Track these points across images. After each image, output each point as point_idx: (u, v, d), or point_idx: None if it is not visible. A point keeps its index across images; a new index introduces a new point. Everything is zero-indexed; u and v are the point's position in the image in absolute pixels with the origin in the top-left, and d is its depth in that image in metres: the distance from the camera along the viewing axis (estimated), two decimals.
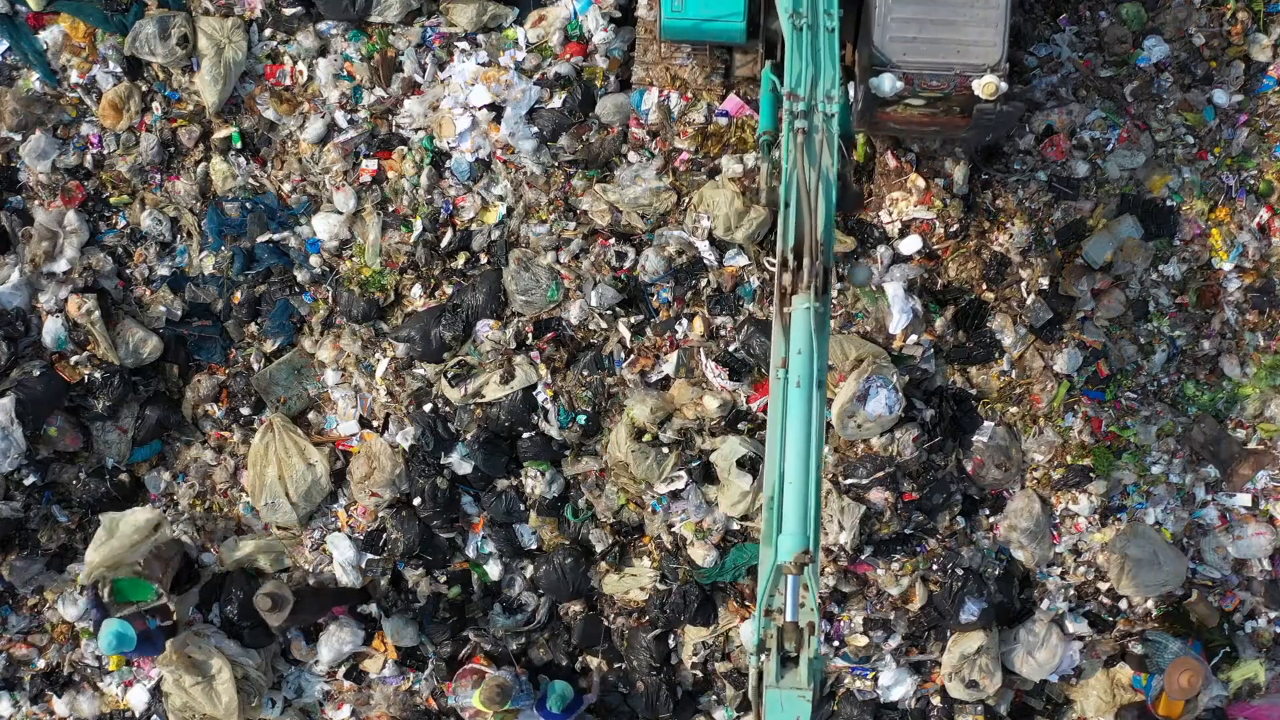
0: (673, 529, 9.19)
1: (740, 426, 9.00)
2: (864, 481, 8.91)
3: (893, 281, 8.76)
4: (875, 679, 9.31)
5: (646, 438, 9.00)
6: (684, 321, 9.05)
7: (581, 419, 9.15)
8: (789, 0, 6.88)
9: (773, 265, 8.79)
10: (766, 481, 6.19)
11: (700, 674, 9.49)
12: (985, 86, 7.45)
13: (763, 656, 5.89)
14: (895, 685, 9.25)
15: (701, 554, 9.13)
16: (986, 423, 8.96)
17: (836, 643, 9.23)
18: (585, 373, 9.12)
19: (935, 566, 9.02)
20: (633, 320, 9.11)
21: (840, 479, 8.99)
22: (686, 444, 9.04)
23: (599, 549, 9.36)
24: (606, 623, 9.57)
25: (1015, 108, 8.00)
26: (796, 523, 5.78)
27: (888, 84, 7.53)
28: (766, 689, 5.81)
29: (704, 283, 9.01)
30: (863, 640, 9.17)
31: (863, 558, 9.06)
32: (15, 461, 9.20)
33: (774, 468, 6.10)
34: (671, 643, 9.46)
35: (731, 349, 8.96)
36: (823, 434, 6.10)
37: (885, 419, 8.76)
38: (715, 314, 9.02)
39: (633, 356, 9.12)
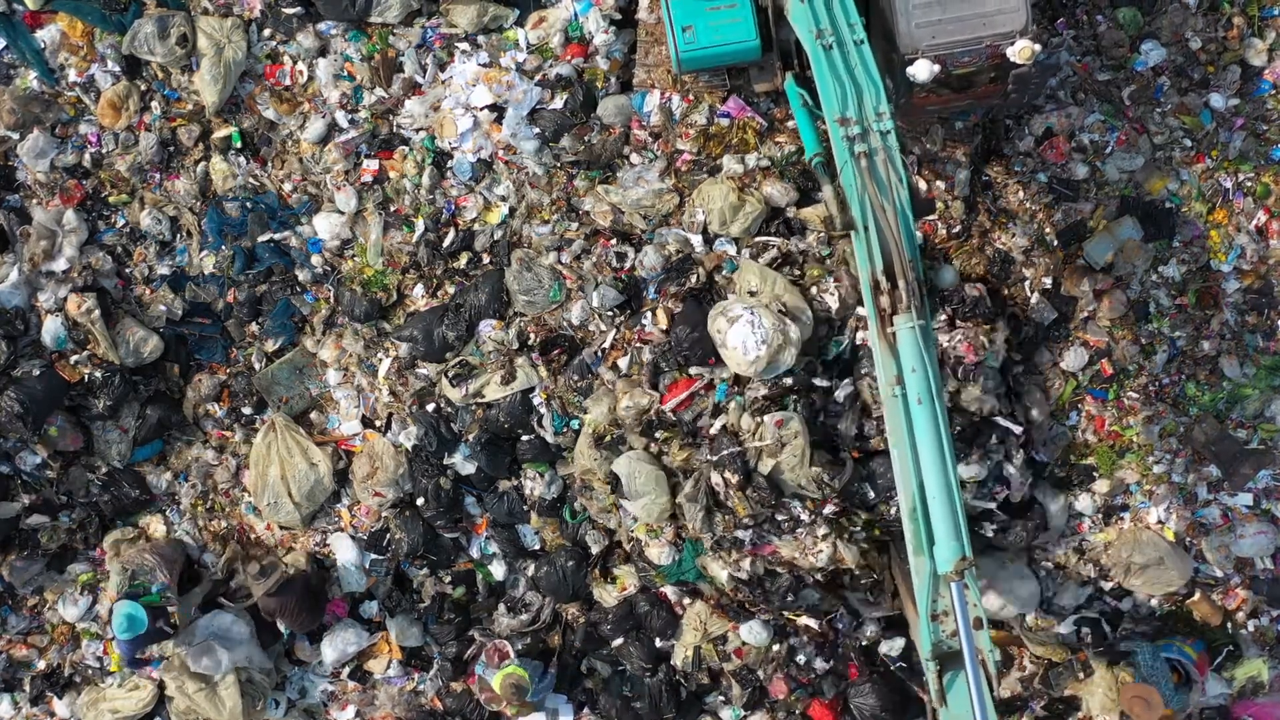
0: (631, 532, 9.51)
1: (658, 435, 9.24)
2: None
3: None
4: None
5: (607, 439, 9.29)
6: (650, 315, 9.26)
7: (575, 423, 9.40)
8: (809, 19, 7.10)
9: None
10: (902, 494, 6.56)
11: (705, 675, 9.75)
12: (1021, 52, 7.61)
13: (936, 664, 6.30)
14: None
15: (656, 553, 9.45)
16: None
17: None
18: (576, 377, 9.35)
19: None
20: (619, 320, 9.31)
21: None
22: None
23: (595, 550, 9.64)
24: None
25: (1050, 63, 8.18)
26: (948, 533, 6.14)
27: (925, 71, 7.66)
28: None
29: (694, 278, 9.16)
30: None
31: None
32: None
33: (907, 481, 6.47)
34: (660, 643, 9.76)
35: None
36: (953, 443, 6.40)
37: None
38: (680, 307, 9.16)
39: (606, 354, 9.34)
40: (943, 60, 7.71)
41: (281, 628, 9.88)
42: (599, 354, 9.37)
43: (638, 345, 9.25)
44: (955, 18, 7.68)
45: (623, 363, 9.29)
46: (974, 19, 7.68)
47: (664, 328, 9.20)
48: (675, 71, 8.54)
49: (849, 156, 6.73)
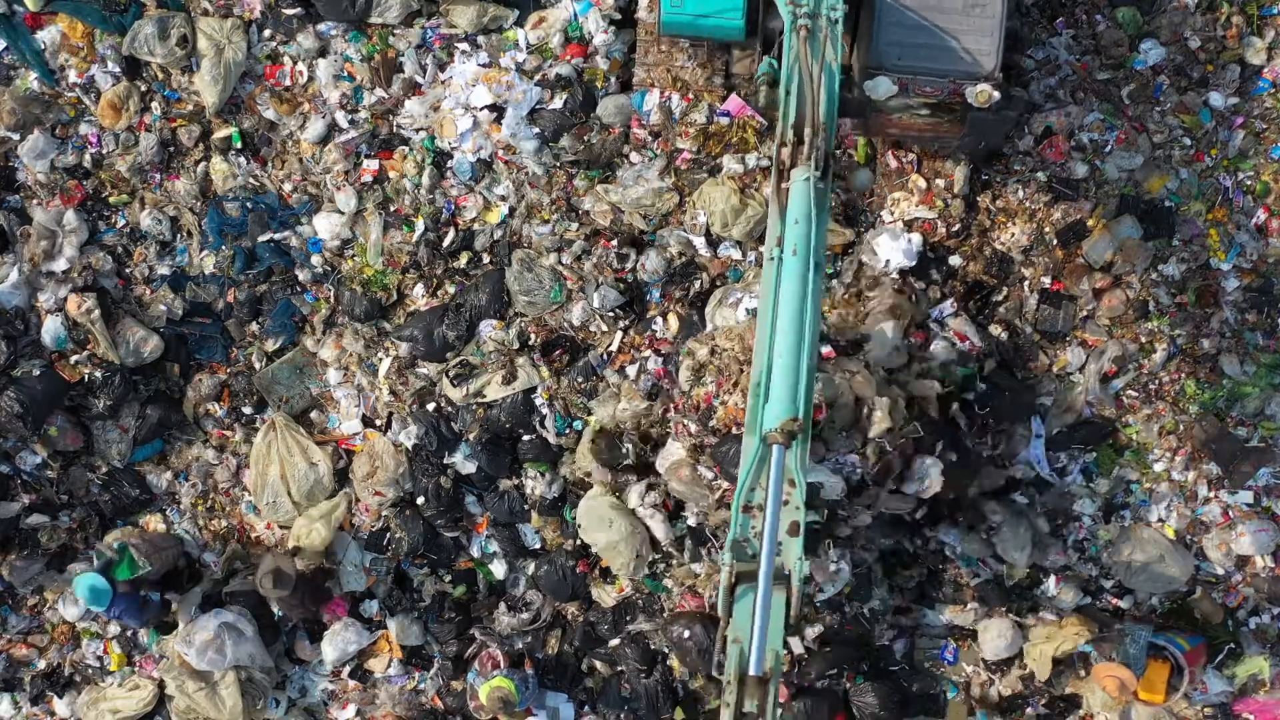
0: None
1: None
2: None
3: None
4: None
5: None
6: (660, 320, 9.38)
7: (579, 425, 9.49)
8: None
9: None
10: (756, 366, 6.00)
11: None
12: (979, 95, 7.82)
13: (732, 558, 5.48)
14: None
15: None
16: None
17: None
18: (580, 379, 9.46)
19: None
20: (622, 323, 9.42)
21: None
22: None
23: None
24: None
25: (1009, 116, 8.29)
26: (785, 393, 5.46)
27: (883, 86, 7.86)
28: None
29: (699, 283, 9.29)
30: None
31: None
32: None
33: (763, 352, 5.85)
34: (654, 645, 9.81)
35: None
36: (819, 310, 5.84)
37: None
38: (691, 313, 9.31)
39: (613, 357, 9.44)
40: (905, 84, 7.86)
41: (275, 610, 9.95)
42: (605, 356, 9.46)
43: (646, 354, 9.36)
44: (926, 45, 7.85)
45: (631, 370, 9.39)
46: (945, 51, 7.85)
47: (675, 333, 9.29)
48: (657, 33, 8.60)
49: (791, 29, 6.63)
